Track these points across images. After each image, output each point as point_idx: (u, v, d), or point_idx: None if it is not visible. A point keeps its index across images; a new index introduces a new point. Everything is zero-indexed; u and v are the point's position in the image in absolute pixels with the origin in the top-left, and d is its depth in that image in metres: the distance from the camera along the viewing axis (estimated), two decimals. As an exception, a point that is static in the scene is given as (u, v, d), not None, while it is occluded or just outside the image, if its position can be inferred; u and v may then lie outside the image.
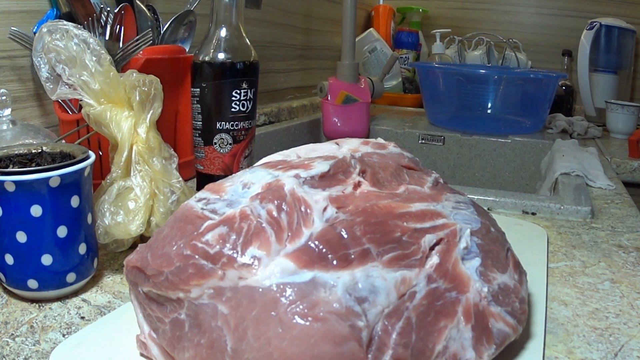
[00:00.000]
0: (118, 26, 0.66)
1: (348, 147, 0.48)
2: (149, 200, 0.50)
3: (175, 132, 0.77)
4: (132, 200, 0.49)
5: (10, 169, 0.40)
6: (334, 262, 0.31)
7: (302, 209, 0.34)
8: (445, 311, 0.33)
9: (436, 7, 1.88)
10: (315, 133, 1.31)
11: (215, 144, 0.64)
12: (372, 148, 0.48)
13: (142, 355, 0.36)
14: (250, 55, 0.64)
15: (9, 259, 0.41)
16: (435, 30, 1.72)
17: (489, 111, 1.28)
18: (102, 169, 0.65)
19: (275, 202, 0.34)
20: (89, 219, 0.45)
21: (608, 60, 1.54)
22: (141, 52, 0.64)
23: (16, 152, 0.45)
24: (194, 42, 0.77)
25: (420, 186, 0.43)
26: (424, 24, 1.88)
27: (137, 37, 0.63)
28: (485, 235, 0.40)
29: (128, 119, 0.50)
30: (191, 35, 0.79)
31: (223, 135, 0.63)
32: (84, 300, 0.44)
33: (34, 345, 0.37)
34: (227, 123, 0.63)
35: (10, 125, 0.55)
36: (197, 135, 0.65)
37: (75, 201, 0.42)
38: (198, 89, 0.63)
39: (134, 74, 0.50)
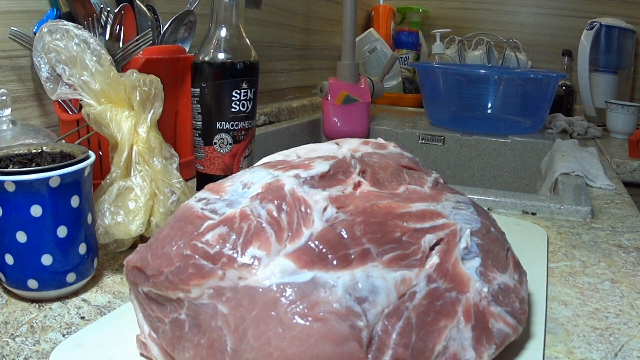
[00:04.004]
0: (118, 26, 0.66)
1: (348, 147, 0.48)
2: (149, 200, 0.50)
3: (175, 132, 0.77)
4: (132, 200, 0.49)
5: (10, 169, 0.40)
6: (334, 262, 0.31)
7: (302, 209, 0.34)
8: (445, 311, 0.33)
9: (436, 7, 1.88)
10: (315, 133, 1.31)
11: (215, 144, 0.64)
12: (372, 148, 0.48)
13: (142, 355, 0.36)
14: (250, 55, 0.64)
15: (9, 259, 0.41)
16: (435, 30, 1.72)
17: (489, 111, 1.27)
18: (102, 169, 0.65)
19: (275, 202, 0.34)
20: (89, 219, 0.45)
21: (608, 60, 1.54)
22: (141, 52, 0.64)
23: (16, 152, 0.45)
24: (194, 42, 0.77)
25: (420, 186, 0.43)
26: (424, 24, 1.88)
27: (137, 37, 0.63)
28: (485, 235, 0.40)
29: (128, 119, 0.50)
30: (191, 35, 0.79)
31: (223, 135, 0.63)
32: (84, 300, 0.44)
33: (34, 345, 0.37)
34: (227, 123, 0.63)
35: (10, 125, 0.55)
36: (197, 135, 0.65)
37: (75, 201, 0.42)
38: (198, 89, 0.63)
39: (134, 74, 0.50)
